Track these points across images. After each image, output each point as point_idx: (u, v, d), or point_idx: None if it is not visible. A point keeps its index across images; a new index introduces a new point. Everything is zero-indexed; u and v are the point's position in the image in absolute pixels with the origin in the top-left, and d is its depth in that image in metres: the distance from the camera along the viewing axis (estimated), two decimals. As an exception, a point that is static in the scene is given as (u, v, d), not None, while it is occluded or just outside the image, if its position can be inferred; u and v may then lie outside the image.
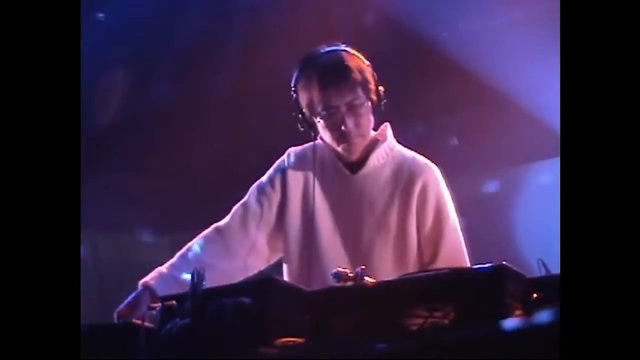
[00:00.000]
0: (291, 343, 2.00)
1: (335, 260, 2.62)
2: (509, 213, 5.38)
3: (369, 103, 2.67)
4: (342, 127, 2.65)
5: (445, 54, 5.01)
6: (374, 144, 2.77)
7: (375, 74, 2.72)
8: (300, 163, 2.80)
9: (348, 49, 2.72)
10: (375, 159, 2.75)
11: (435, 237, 2.68)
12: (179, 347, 2.04)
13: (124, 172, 5.81)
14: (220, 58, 5.15)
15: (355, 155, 2.74)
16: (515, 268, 1.89)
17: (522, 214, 5.31)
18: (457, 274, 1.91)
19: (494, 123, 5.23)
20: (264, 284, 2.05)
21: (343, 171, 2.75)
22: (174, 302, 2.11)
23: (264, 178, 2.83)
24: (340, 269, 2.08)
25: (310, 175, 2.76)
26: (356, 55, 2.71)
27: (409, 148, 2.87)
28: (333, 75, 2.63)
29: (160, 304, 2.11)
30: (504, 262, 1.87)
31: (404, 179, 2.73)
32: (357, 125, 2.66)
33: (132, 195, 5.92)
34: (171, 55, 5.25)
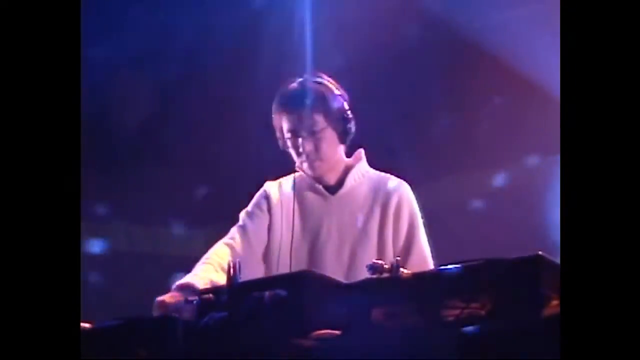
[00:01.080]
0: (327, 335, 2.01)
1: (321, 271, 2.73)
2: (540, 203, 5.35)
3: (330, 130, 2.88)
4: (300, 150, 2.88)
5: (477, 43, 4.98)
6: (349, 168, 2.97)
7: (345, 103, 2.92)
8: (282, 190, 3.00)
9: (319, 79, 2.94)
10: (352, 180, 2.95)
11: (407, 245, 2.88)
12: (215, 339, 2.06)
13: (159, 165, 5.84)
14: (256, 49, 5.16)
15: (329, 178, 2.95)
16: (551, 258, 1.88)
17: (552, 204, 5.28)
18: (494, 265, 1.90)
19: (525, 113, 5.18)
20: (300, 276, 2.06)
21: (322, 192, 2.95)
22: (210, 295, 2.13)
23: (249, 206, 3.03)
24: (376, 261, 2.08)
25: (291, 199, 2.96)
26: (324, 85, 2.93)
27: (385, 170, 3.06)
28: (294, 103, 2.88)
29: (197, 297, 2.13)
30: (540, 252, 1.87)
31: (381, 194, 2.93)
32: (316, 149, 2.88)
33: (167, 187, 5.95)
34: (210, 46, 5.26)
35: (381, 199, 2.92)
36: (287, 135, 2.89)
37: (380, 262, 2.09)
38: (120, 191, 5.82)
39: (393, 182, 2.97)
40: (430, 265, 2.87)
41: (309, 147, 2.87)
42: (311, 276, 2.06)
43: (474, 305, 1.89)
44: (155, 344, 2.13)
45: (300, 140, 2.87)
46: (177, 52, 5.21)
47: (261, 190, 3.03)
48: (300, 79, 2.94)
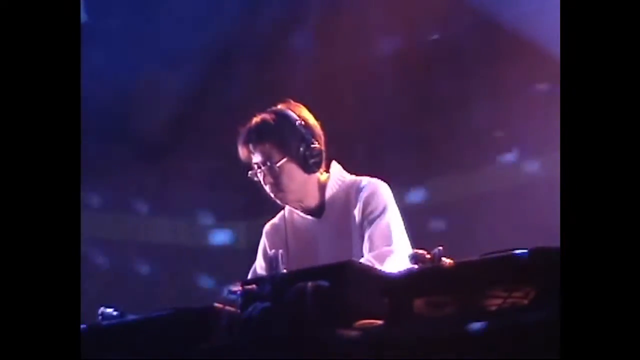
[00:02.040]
0: (370, 325, 2.02)
1: None
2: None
3: (287, 161, 2.89)
4: (263, 183, 2.91)
5: (515, 30, 4.94)
6: (324, 186, 2.98)
7: (308, 131, 2.91)
8: (276, 231, 3.05)
9: (282, 109, 2.94)
10: (330, 197, 2.97)
11: (371, 223, 2.89)
12: (259, 330, 2.08)
13: (202, 157, 5.88)
14: (292, 40, 5.18)
15: (309, 202, 2.97)
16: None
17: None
18: (539, 254, 1.90)
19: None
20: (343, 267, 2.07)
21: (309, 220, 2.98)
22: (254, 286, 2.15)
23: (256, 261, 3.09)
24: (417, 251, 2.08)
25: (284, 236, 3.00)
26: (284, 115, 2.93)
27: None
28: (249, 136, 2.92)
29: (241, 288, 2.15)
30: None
31: (354, 196, 2.94)
32: (275, 182, 2.90)
33: (209, 180, 5.99)
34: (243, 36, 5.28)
35: (353, 201, 2.93)
36: (253, 167, 2.92)
37: (421, 251, 2.10)
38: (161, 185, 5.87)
39: (365, 181, 2.99)
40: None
41: (268, 179, 2.90)
42: (353, 266, 2.07)
43: (516, 294, 1.89)
44: (200, 334, 2.16)
45: (261, 174, 2.91)
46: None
47: (262, 237, 3.09)
48: (267, 110, 2.96)
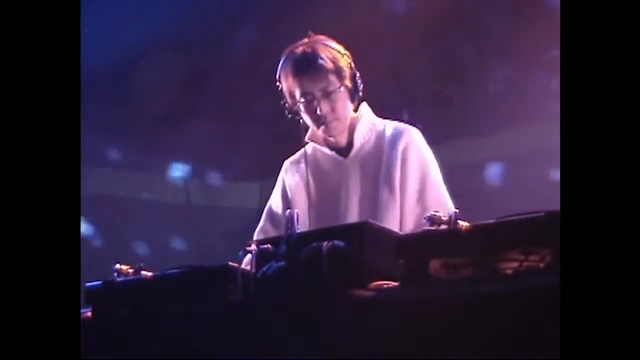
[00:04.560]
0: (385, 286, 2.02)
1: None
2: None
3: (343, 89, 2.90)
4: (318, 112, 2.88)
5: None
6: (354, 125, 2.97)
7: (352, 63, 2.93)
8: (296, 168, 3.05)
9: (325, 40, 2.95)
10: (361, 138, 2.96)
11: (420, 189, 2.90)
12: (274, 289, 2.08)
13: (214, 119, 5.88)
14: (306, 5, 5.14)
15: (340, 139, 2.96)
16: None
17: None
18: (553, 217, 1.88)
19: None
20: (359, 227, 2.07)
21: (336, 158, 2.97)
22: (269, 245, 2.15)
23: (270, 198, 3.09)
24: (434, 213, 2.07)
25: (305, 172, 2.99)
26: (330, 46, 2.94)
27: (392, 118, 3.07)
28: (305, 65, 2.89)
29: (256, 247, 2.15)
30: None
31: (387, 142, 2.94)
32: (332, 109, 2.89)
33: (224, 142, 5.99)
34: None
35: (387, 148, 2.93)
36: (301, 99, 2.90)
37: (438, 214, 2.08)
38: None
39: (398, 129, 2.99)
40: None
41: (326, 108, 2.88)
42: (369, 227, 2.06)
43: (532, 258, 1.88)
44: (215, 292, 2.17)
45: (315, 102, 2.88)
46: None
47: (280, 173, 3.07)
48: (306, 41, 2.95)
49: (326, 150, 2.98)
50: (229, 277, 2.14)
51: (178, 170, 6.18)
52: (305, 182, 2.97)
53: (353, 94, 2.93)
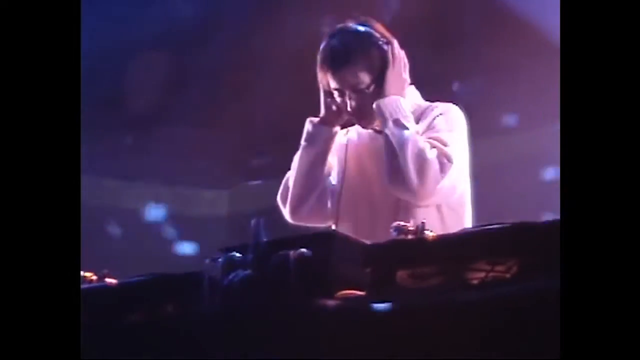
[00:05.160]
0: (351, 295, 2.01)
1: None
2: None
3: (375, 85, 2.73)
4: (348, 108, 2.76)
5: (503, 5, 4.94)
6: None
7: (391, 49, 2.75)
8: (338, 140, 2.91)
9: (368, 27, 2.78)
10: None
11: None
12: (241, 297, 2.07)
13: (185, 127, 5.86)
14: (280, 10, 5.15)
15: (376, 126, 2.82)
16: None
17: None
18: (520, 228, 1.89)
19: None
20: (325, 236, 2.07)
21: (378, 137, 2.81)
22: (236, 253, 2.14)
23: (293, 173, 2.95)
24: (400, 223, 2.08)
25: (344, 143, 2.90)
26: (374, 35, 2.76)
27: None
28: (337, 59, 2.74)
29: (222, 255, 2.14)
30: (567, 217, 1.85)
31: (424, 114, 2.81)
32: (360, 108, 2.75)
33: (193, 149, 5.97)
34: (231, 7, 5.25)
35: (422, 120, 2.77)
36: (335, 93, 2.77)
37: (404, 223, 2.09)
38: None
39: (438, 104, 2.84)
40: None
41: (354, 107, 2.75)
42: (336, 236, 2.06)
43: (499, 268, 1.89)
44: (181, 300, 2.15)
45: (344, 99, 2.76)
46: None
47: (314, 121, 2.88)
48: (350, 25, 2.79)
49: (370, 131, 2.86)
50: (195, 285, 2.13)
51: (147, 178, 6.15)
52: (344, 159, 2.87)
53: (388, 87, 2.73)
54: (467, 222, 2.84)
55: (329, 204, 2.87)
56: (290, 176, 2.90)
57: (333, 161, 2.91)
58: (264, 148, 5.44)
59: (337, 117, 2.84)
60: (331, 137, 2.86)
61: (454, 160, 2.66)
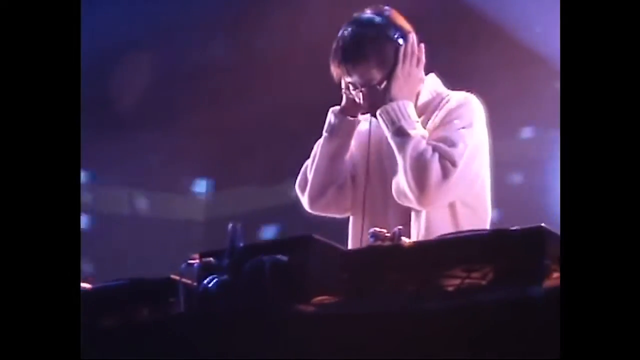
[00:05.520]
0: (328, 301, 2.01)
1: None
2: (542, 175, 5.33)
3: (388, 80, 2.65)
4: (361, 102, 2.69)
5: (483, 12, 4.96)
6: (418, 94, 2.74)
7: (406, 44, 2.66)
8: (361, 128, 2.82)
9: (384, 18, 2.69)
10: (421, 106, 2.72)
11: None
12: (216, 303, 2.06)
13: (162, 132, 5.85)
14: (261, 17, 5.15)
15: None
16: (553, 230, 1.88)
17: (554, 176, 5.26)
18: (496, 235, 1.90)
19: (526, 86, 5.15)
20: (302, 241, 2.06)
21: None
22: (212, 258, 2.13)
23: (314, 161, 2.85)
24: (377, 229, 2.08)
25: (366, 136, 2.78)
26: (389, 28, 2.67)
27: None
28: (350, 54, 2.65)
29: (198, 260, 2.13)
30: (542, 224, 1.86)
31: (440, 104, 2.71)
32: (372, 105, 2.67)
33: (170, 154, 5.96)
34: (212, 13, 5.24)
35: (437, 111, 2.67)
36: (350, 87, 2.69)
37: (381, 230, 2.09)
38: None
39: (456, 92, 2.73)
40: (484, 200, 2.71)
41: (367, 102, 2.67)
42: (313, 242, 2.06)
43: (475, 275, 1.89)
44: (156, 304, 2.14)
45: (359, 92, 2.67)
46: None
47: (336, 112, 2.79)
48: (364, 16, 2.71)
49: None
50: (171, 290, 2.12)
51: (124, 182, 6.12)
52: (367, 151, 2.76)
53: (403, 82, 2.64)
54: (486, 219, 2.72)
55: (349, 196, 2.80)
56: (309, 165, 2.81)
57: (355, 151, 2.81)
58: (244, 153, 5.45)
59: (358, 108, 2.73)
60: (353, 128, 2.77)
61: (460, 163, 2.55)
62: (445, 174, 2.54)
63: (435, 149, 2.57)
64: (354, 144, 2.81)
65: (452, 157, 2.55)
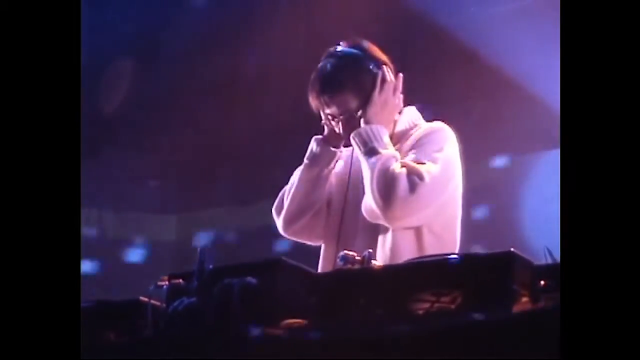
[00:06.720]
0: (296, 325, 2.00)
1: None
2: (516, 201, 5.36)
3: (365, 109, 2.68)
4: (340, 133, 2.72)
5: (457, 40, 4.99)
6: (395, 123, 2.77)
7: (383, 74, 2.70)
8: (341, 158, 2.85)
9: (360, 50, 2.73)
10: (398, 134, 2.75)
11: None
12: (185, 325, 2.05)
13: (133, 151, 5.82)
14: (235, 39, 5.16)
15: None
16: (523, 255, 1.89)
17: (529, 202, 5.30)
18: (465, 260, 1.91)
19: (503, 111, 5.19)
20: (271, 264, 2.05)
21: None
22: (181, 280, 2.12)
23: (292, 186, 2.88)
24: (347, 252, 2.08)
25: (347, 169, 2.81)
26: (365, 59, 2.71)
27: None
28: (327, 84, 2.69)
29: (167, 282, 2.12)
30: (512, 249, 1.87)
31: (413, 135, 2.74)
32: (349, 133, 2.68)
33: (141, 174, 5.93)
34: (184, 35, 5.25)
35: (411, 139, 2.70)
36: (329, 117, 2.72)
37: (351, 253, 2.09)
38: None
39: (430, 123, 2.77)
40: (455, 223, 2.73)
41: (347, 132, 2.69)
42: (282, 264, 2.05)
43: (444, 299, 1.89)
44: (124, 326, 2.12)
45: (338, 122, 2.71)
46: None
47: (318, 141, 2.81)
48: (332, 51, 2.74)
49: None
50: (139, 312, 2.10)
51: (93, 201, 6.08)
52: (347, 179, 2.78)
53: (381, 110, 2.67)
54: (452, 250, 2.71)
55: (322, 223, 2.82)
56: (287, 190, 2.83)
57: (333, 180, 2.84)
58: (215, 173, 5.44)
59: (340, 138, 2.76)
60: (333, 157, 2.80)
61: (427, 178, 2.56)
62: (412, 188, 2.55)
63: (403, 165, 2.60)
64: (333, 173, 2.83)
65: (420, 173, 2.57)
